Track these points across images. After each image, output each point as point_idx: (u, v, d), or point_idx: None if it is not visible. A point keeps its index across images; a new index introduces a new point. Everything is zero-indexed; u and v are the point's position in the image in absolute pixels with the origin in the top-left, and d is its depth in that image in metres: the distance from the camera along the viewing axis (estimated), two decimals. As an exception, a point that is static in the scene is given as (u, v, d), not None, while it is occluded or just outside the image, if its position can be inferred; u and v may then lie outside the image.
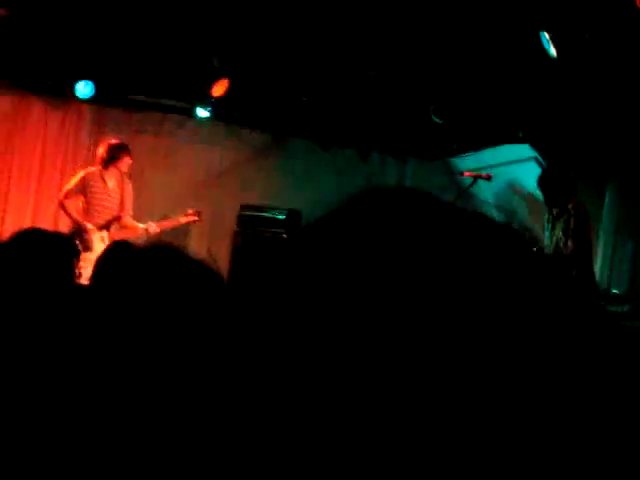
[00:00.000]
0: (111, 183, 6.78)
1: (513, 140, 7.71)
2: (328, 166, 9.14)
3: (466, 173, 5.79)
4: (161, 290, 1.37)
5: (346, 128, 8.63)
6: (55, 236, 2.21)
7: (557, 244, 5.69)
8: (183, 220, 7.20)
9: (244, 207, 8.38)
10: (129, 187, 6.96)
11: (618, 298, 6.73)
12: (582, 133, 7.08)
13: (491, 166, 8.29)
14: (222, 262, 8.34)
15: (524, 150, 7.90)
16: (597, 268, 7.67)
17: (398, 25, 5.76)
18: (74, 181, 6.76)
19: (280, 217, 8.24)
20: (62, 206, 6.72)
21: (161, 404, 1.23)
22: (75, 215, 6.65)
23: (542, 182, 5.93)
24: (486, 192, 7.96)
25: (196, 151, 8.63)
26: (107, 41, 6.74)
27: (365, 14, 5.60)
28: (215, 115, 7.93)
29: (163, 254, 1.46)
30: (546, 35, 4.84)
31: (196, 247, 8.67)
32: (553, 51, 4.97)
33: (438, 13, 5.42)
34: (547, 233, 5.94)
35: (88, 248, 6.49)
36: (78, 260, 2.16)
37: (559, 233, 5.70)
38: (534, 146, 7.78)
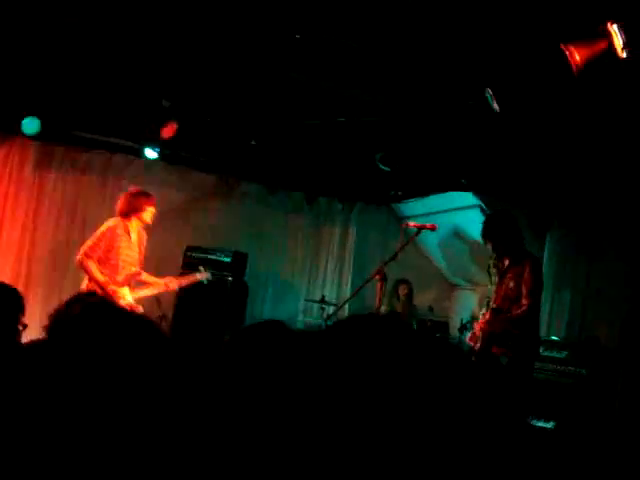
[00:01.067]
0: (134, 236, 6.33)
1: (457, 188, 7.87)
2: (275, 209, 9.20)
3: (410, 224, 5.70)
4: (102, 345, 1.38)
5: (294, 172, 8.71)
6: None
7: (506, 292, 5.48)
8: (199, 277, 6.88)
9: (190, 248, 8.35)
10: (145, 239, 6.49)
11: (557, 345, 6.87)
12: (524, 182, 7.27)
13: (436, 212, 8.45)
14: (166, 303, 8.26)
15: (468, 198, 8.07)
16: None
17: (346, 74, 5.86)
18: (98, 237, 6.18)
19: (226, 259, 8.23)
20: (83, 265, 6.10)
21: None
22: (98, 276, 6.07)
23: (490, 231, 5.63)
24: (430, 238, 8.08)
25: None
26: (55, 77, 6.68)
27: (313, 63, 5.69)
28: (163, 156, 7.90)
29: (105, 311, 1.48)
30: (489, 91, 4.99)
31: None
32: (495, 105, 5.11)
33: (387, 64, 5.55)
34: (494, 278, 5.73)
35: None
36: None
37: (510, 284, 5.47)
38: (477, 194, 7.95)
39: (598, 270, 7.37)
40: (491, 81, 5.11)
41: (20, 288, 7.38)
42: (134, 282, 6.42)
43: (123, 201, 6.35)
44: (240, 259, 8.35)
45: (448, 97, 5.89)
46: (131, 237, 6.31)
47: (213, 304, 8.02)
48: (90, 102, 7.17)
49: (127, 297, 6.25)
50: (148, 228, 6.51)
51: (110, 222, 6.30)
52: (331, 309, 8.28)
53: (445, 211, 8.45)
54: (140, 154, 7.90)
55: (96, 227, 8.21)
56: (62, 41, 5.87)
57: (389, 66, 5.59)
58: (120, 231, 6.25)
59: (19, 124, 7.36)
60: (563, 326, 7.59)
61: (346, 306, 7.26)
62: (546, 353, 6.60)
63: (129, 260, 6.27)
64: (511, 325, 5.40)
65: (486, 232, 5.64)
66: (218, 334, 7.93)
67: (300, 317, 9.20)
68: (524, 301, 5.40)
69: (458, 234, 8.68)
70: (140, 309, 6.24)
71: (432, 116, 6.37)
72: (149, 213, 6.36)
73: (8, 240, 8.01)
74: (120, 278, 6.21)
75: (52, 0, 5.13)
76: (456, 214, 8.44)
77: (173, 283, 6.64)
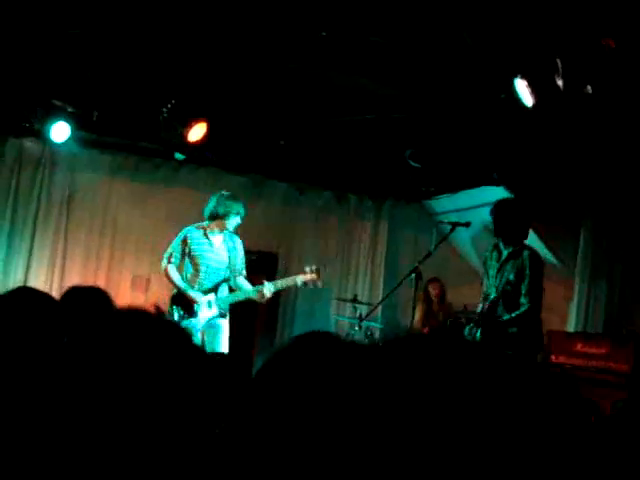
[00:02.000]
0: (217, 241, 6.24)
1: (488, 182, 7.78)
2: (306, 208, 9.16)
3: (444, 221, 5.65)
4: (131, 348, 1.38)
5: (323, 171, 8.67)
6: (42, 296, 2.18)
7: (505, 285, 5.35)
8: (300, 280, 6.28)
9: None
10: (239, 245, 6.32)
11: (596, 339, 6.75)
12: (556, 176, 7.17)
13: (467, 208, 8.35)
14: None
15: (500, 192, 7.96)
16: (573, 310, 7.73)
17: (374, 71, 5.82)
18: (177, 243, 6.23)
19: (257, 260, 8.21)
20: (165, 273, 6.19)
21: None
22: (179, 282, 6.14)
23: (501, 212, 5.52)
24: (463, 235, 7.98)
25: (172, 194, 8.59)
26: (84, 83, 6.72)
27: (342, 58, 5.66)
28: (192, 158, 7.92)
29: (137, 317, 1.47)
30: (520, 83, 4.92)
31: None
32: (527, 99, 5.04)
33: (415, 60, 5.50)
34: (492, 271, 5.58)
35: (191, 314, 6.10)
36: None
37: (510, 276, 5.35)
38: (509, 188, 7.84)
39: (633, 262, 7.25)
40: (522, 74, 5.04)
41: (54, 289, 7.65)
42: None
43: (213, 204, 6.27)
44: (271, 260, 8.34)
45: (477, 91, 5.82)
46: (214, 242, 6.22)
47: (246, 305, 8.01)
48: (117, 107, 7.20)
49: (213, 305, 6.15)
50: (179, 231, 6.51)
51: (186, 230, 6.28)
52: (363, 308, 8.24)
53: (477, 207, 8.33)
54: (169, 157, 7.92)
55: (127, 230, 8.36)
56: (88, 50, 5.91)
57: (418, 61, 5.54)
58: (198, 236, 6.22)
59: (49, 130, 7.41)
60: (601, 320, 7.48)
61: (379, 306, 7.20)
62: (585, 349, 6.49)
63: (214, 265, 6.18)
64: (509, 325, 5.29)
65: (492, 216, 5.55)
66: (250, 335, 7.94)
67: (333, 316, 9.17)
68: (523, 300, 5.30)
69: (490, 230, 8.56)
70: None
71: (462, 111, 6.31)
72: (233, 222, 6.25)
73: (40, 244, 8.09)
74: (205, 284, 6.16)
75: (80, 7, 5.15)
76: (488, 209, 8.33)
77: (268, 289, 6.14)
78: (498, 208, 5.55)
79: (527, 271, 5.30)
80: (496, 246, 5.64)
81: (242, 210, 6.27)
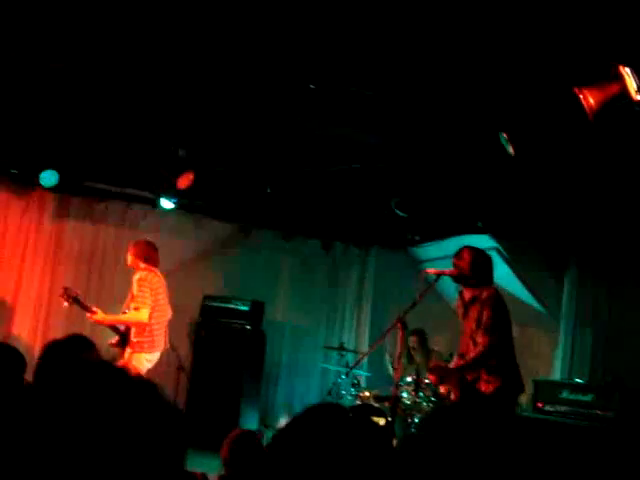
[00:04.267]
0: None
1: (473, 230, 7.84)
2: (292, 256, 9.20)
3: (430, 270, 5.54)
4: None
5: (309, 218, 8.73)
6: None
7: (470, 333, 5.14)
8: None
9: (207, 298, 8.33)
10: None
11: (582, 387, 6.74)
12: (540, 223, 7.25)
13: (453, 255, 8.39)
14: (183, 353, 8.22)
15: (484, 240, 8.02)
16: (559, 357, 7.75)
17: (360, 121, 5.91)
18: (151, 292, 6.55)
19: (243, 308, 8.20)
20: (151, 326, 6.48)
21: None
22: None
23: (458, 259, 5.27)
24: (448, 282, 8.01)
25: (159, 241, 8.59)
26: (72, 130, 6.78)
27: (327, 111, 5.75)
28: (179, 205, 7.96)
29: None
30: (504, 135, 5.00)
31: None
32: (511, 149, 5.12)
33: (399, 109, 5.58)
34: (461, 320, 5.36)
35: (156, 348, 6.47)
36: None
37: (472, 324, 5.12)
38: (494, 236, 7.91)
39: (618, 307, 7.28)
40: (506, 125, 5.13)
41: (39, 336, 7.61)
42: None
43: (147, 249, 6.74)
44: (257, 307, 8.33)
45: (462, 141, 5.91)
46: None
47: (231, 353, 7.97)
48: (105, 154, 7.27)
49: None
50: (166, 276, 6.54)
51: (153, 277, 6.60)
52: (349, 356, 8.21)
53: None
54: (156, 204, 7.96)
55: (112, 278, 8.35)
56: (77, 95, 5.97)
57: (403, 111, 5.63)
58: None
59: (37, 177, 7.46)
60: (586, 367, 7.48)
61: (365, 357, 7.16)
62: (571, 396, 6.48)
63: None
64: (470, 370, 5.04)
65: (454, 259, 5.32)
66: (236, 384, 7.87)
67: (319, 364, 9.13)
68: (479, 340, 5.04)
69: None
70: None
71: (446, 160, 6.39)
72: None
73: (27, 288, 8.06)
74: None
75: (67, 54, 5.22)
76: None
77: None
78: (456, 256, 5.34)
79: (482, 309, 5.07)
80: (460, 293, 5.45)
81: None
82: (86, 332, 7.77)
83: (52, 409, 1.38)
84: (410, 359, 8.39)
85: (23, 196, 8.11)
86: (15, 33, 4.89)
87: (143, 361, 6.32)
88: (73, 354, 2.65)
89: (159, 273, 6.66)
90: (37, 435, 1.35)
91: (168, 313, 6.69)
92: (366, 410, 7.38)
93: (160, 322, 6.54)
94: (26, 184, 7.85)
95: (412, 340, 8.49)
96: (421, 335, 8.52)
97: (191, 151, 7.02)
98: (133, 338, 6.36)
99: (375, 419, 7.29)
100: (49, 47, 5.06)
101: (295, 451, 1.47)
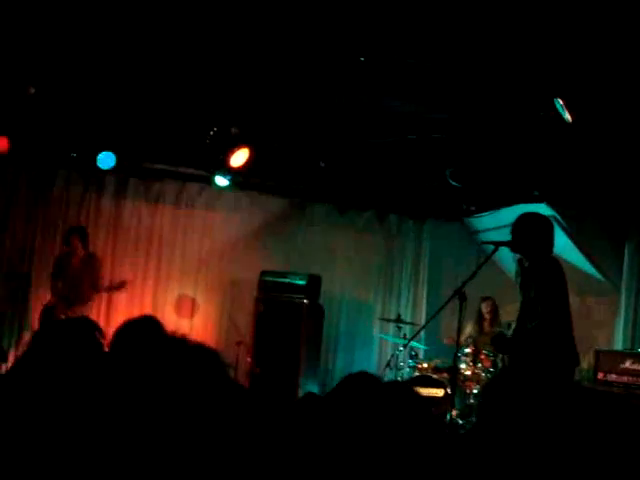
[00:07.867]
0: None
1: (529, 199, 7.72)
2: (347, 229, 9.21)
3: (487, 241, 5.46)
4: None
5: (364, 191, 8.72)
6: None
7: (527, 303, 5.02)
8: None
9: (264, 273, 8.42)
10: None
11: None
12: (598, 191, 7.10)
13: (509, 225, 8.28)
14: (245, 328, 8.38)
15: (541, 209, 7.89)
16: (620, 327, 7.62)
17: (413, 92, 5.87)
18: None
19: (300, 282, 8.26)
20: None
21: None
22: None
23: (517, 228, 5.09)
24: (506, 253, 7.94)
25: (215, 218, 8.74)
26: (128, 113, 6.89)
27: (379, 83, 5.72)
28: (234, 183, 8.03)
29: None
30: (560, 101, 4.90)
31: (217, 314, 8.72)
32: (567, 115, 5.03)
33: (453, 80, 5.52)
34: (519, 289, 5.23)
35: None
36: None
37: (531, 293, 4.99)
38: (551, 204, 7.78)
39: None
40: (562, 90, 5.03)
41: (102, 314, 7.88)
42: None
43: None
44: (314, 281, 8.38)
45: (517, 108, 5.82)
46: None
47: (290, 328, 8.06)
48: (161, 134, 7.36)
49: None
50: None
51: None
52: (407, 327, 8.23)
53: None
54: (210, 182, 8.05)
55: (168, 255, 8.53)
56: (130, 78, 6.07)
57: (456, 81, 5.56)
58: None
59: (95, 160, 7.62)
60: (649, 337, 7.36)
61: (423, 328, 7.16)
62: (634, 366, 6.40)
63: None
64: (528, 340, 4.95)
65: (512, 230, 5.16)
66: (295, 358, 7.95)
67: (376, 336, 9.18)
68: (537, 309, 4.90)
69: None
70: None
71: (501, 128, 6.31)
72: None
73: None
74: None
75: (122, 38, 5.30)
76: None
77: None
78: (515, 224, 5.18)
79: (542, 281, 4.94)
80: (519, 262, 5.31)
81: None
82: (146, 308, 8.12)
83: (130, 372, 1.48)
84: (480, 327, 8.24)
85: (82, 179, 8.31)
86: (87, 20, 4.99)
87: None
88: (149, 329, 2.80)
89: None
90: (117, 394, 1.44)
91: None
92: (425, 381, 7.41)
93: None
94: (85, 167, 8.02)
95: (486, 306, 8.25)
96: (495, 303, 8.30)
97: (245, 128, 7.07)
98: None
99: (434, 390, 7.32)
100: (108, 30, 5.14)
101: (331, 419, 1.53)
